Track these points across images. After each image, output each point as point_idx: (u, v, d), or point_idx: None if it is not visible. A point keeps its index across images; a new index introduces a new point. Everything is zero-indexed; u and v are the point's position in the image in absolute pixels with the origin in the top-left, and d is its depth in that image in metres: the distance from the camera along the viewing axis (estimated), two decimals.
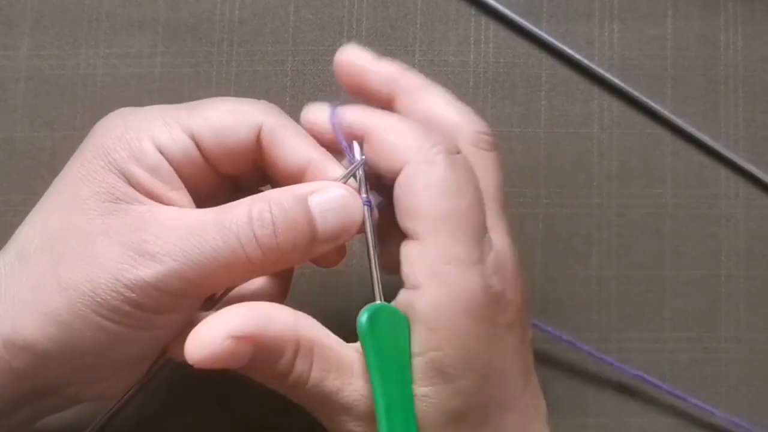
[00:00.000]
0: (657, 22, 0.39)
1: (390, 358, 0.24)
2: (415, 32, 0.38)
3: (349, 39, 0.38)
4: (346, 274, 0.37)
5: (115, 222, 0.25)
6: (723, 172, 0.38)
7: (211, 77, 0.37)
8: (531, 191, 0.38)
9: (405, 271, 0.25)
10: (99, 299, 0.24)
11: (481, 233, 0.25)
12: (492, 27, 0.38)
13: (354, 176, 0.27)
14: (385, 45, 0.38)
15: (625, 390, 0.37)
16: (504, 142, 0.38)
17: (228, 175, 0.28)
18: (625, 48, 0.38)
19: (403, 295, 0.25)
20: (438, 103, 0.28)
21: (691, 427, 0.37)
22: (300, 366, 0.25)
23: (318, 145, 0.28)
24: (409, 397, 0.25)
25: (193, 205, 0.26)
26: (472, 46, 0.38)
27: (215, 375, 0.37)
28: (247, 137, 0.27)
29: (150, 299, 0.24)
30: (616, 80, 0.38)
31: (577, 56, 0.38)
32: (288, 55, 0.38)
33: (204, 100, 0.28)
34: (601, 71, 0.38)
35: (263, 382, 0.26)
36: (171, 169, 0.26)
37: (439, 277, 0.25)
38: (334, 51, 0.38)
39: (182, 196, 0.26)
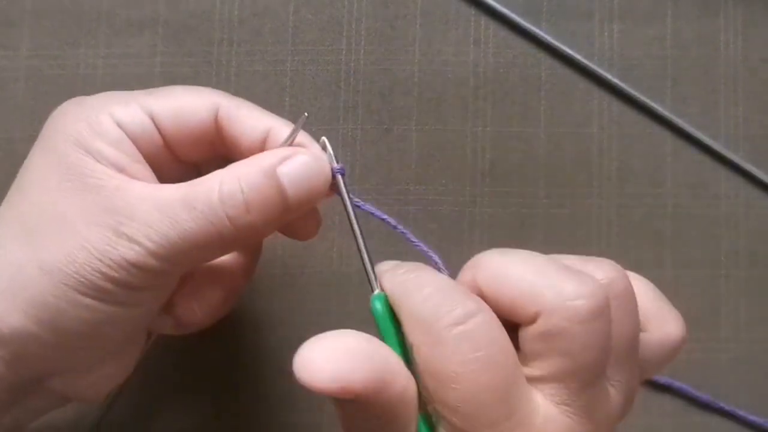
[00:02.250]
0: (657, 22, 0.39)
1: (395, 341, 0.24)
2: (415, 32, 0.38)
3: (348, 39, 0.38)
4: (346, 275, 0.37)
5: (88, 201, 0.25)
6: (723, 172, 0.38)
7: (210, 77, 0.37)
8: (531, 191, 0.38)
9: None
10: (83, 279, 0.24)
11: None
12: (492, 27, 0.38)
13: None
14: (385, 45, 0.38)
15: None
16: (504, 142, 0.38)
17: (189, 162, 0.28)
18: (625, 48, 0.38)
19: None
20: (513, 266, 0.23)
21: (690, 428, 0.37)
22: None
23: (274, 115, 0.28)
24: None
25: (156, 180, 0.27)
26: (472, 46, 0.38)
27: (210, 373, 0.37)
28: (206, 117, 0.27)
29: (131, 277, 0.25)
30: (616, 80, 0.38)
31: (577, 56, 0.38)
32: (288, 55, 0.38)
33: (160, 87, 0.28)
34: (601, 71, 0.38)
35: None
36: (131, 142, 0.26)
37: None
38: (334, 51, 0.38)
39: (145, 169, 0.27)
